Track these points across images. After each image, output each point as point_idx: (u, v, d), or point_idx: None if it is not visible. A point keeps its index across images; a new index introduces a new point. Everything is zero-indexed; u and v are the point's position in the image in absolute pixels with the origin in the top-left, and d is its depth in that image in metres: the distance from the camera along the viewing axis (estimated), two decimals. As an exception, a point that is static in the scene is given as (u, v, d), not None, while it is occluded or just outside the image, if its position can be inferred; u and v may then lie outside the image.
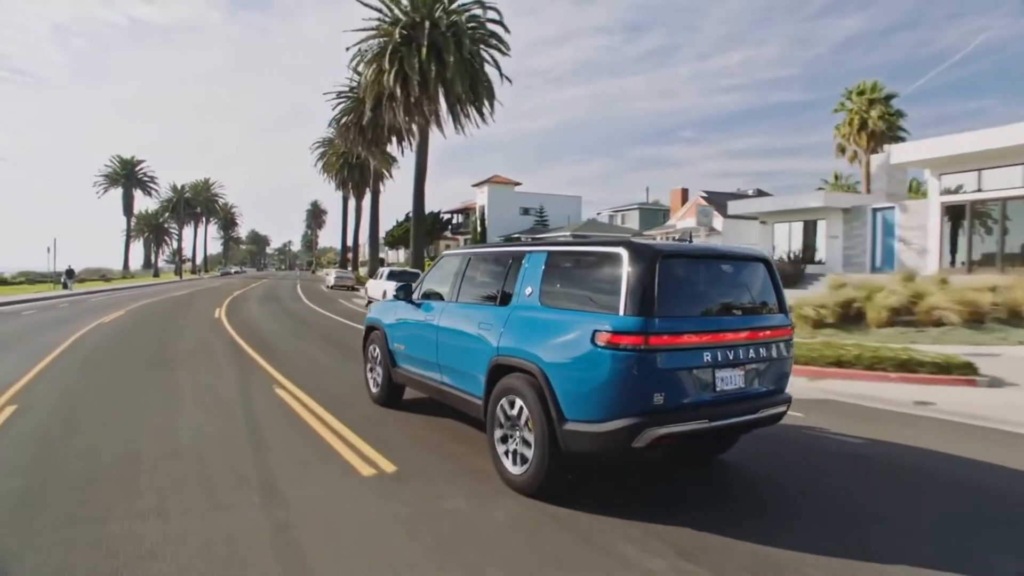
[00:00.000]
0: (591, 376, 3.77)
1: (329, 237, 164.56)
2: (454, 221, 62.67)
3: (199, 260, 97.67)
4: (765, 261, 4.63)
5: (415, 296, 6.22)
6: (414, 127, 28.82)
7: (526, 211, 55.34)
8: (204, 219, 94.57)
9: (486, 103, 28.35)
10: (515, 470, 4.28)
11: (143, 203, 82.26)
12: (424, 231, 64.62)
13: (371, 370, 7.09)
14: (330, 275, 43.08)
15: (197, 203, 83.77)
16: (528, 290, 4.55)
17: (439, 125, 28.77)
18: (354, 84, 40.19)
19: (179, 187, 74.83)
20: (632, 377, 3.64)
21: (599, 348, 3.72)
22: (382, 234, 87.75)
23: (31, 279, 51.60)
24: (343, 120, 39.27)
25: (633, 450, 3.72)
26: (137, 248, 78.46)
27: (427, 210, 64.72)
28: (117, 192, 69.03)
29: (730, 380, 4.04)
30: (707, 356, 3.89)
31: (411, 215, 29.24)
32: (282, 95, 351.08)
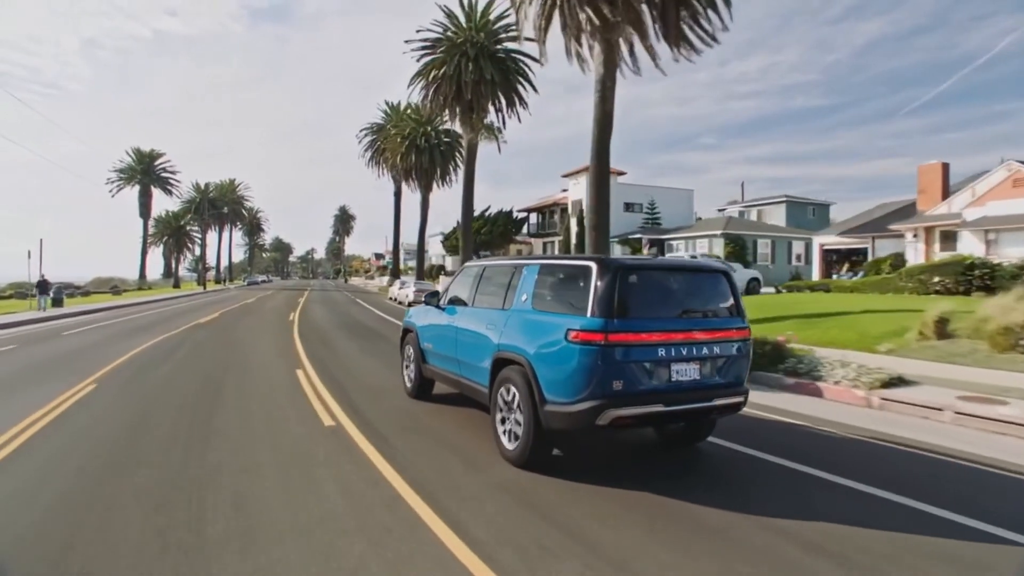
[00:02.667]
0: (564, 366, 4.44)
1: (356, 244, 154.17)
2: (531, 220, 51.05)
3: (223, 268, 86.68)
4: (724, 273, 5.12)
5: (441, 302, 6.85)
6: (591, 50, 17.14)
7: (630, 207, 43.59)
8: (230, 223, 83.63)
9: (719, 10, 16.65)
10: (509, 446, 4.94)
11: (163, 204, 71.43)
12: (498, 231, 53.03)
13: (407, 367, 7.68)
14: (405, 286, 31.53)
15: (224, 203, 72.72)
16: (523, 296, 5.22)
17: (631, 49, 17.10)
18: (448, 28, 28.80)
19: (203, 186, 63.92)
20: (595, 367, 4.28)
21: (570, 343, 4.40)
22: (434, 236, 76.23)
23: (22, 292, 40.54)
24: (433, 74, 27.78)
25: (599, 428, 4.34)
26: (156, 255, 67.45)
27: (495, 207, 53.48)
28: (133, 193, 58.11)
29: (685, 372, 4.57)
30: (662, 352, 4.47)
31: (590, 198, 17.38)
32: (302, 104, 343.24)
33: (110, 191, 57.00)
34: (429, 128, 40.39)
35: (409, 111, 44.39)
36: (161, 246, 64.55)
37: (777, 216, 38.77)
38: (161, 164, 59.81)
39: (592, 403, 4.28)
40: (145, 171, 57.97)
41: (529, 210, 50.65)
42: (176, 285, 59.79)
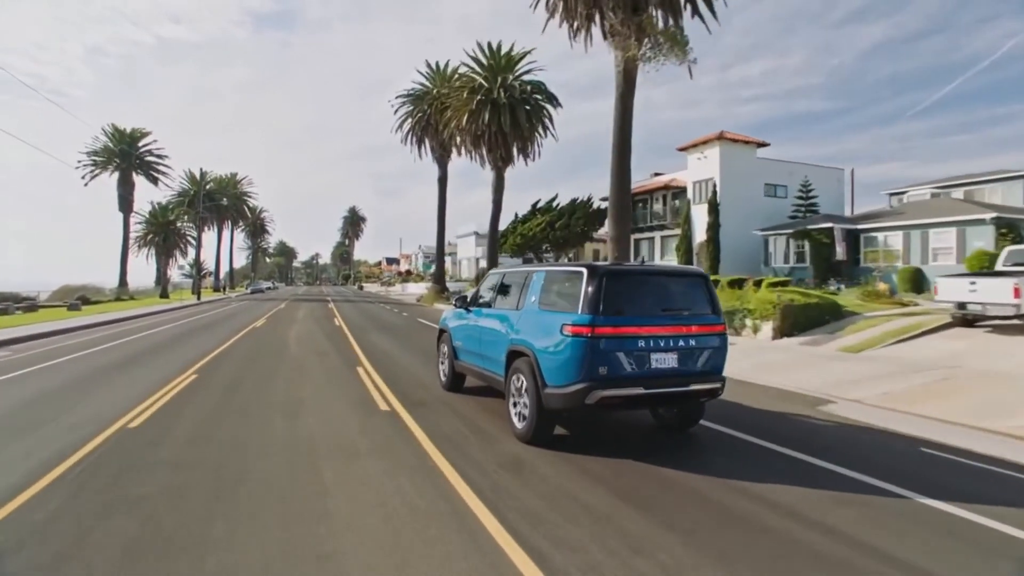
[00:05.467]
0: (560, 355, 5.10)
1: (361, 249, 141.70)
2: (618, 212, 38.91)
3: (224, 273, 74.06)
4: (702, 276, 5.73)
5: (469, 305, 7.42)
6: None
7: (772, 190, 31.59)
8: (231, 222, 71.09)
9: None
10: (519, 425, 5.63)
11: (152, 195, 58.49)
12: (577, 226, 40.55)
13: (442, 363, 8.28)
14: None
15: (223, 195, 60.09)
16: (532, 298, 5.90)
17: None
18: None
19: (198, 174, 51.42)
20: (583, 355, 4.92)
21: (564, 336, 5.06)
22: (466, 236, 63.52)
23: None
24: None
25: (589, 407, 4.99)
26: (147, 259, 54.55)
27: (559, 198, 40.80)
28: (112, 181, 45.58)
29: (663, 361, 5.16)
30: (642, 343, 5.08)
31: None
32: (306, 109, 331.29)
33: (82, 177, 44.55)
34: (511, 77, 28.29)
35: (457, 76, 32.17)
36: (152, 248, 51.89)
37: (1009, 196, 26.72)
38: (145, 146, 47.37)
39: (582, 385, 4.93)
40: (125, 154, 45.48)
41: (616, 198, 38.46)
42: (164, 295, 47.32)
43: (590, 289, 5.07)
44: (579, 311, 5.03)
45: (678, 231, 33.38)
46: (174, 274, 61.04)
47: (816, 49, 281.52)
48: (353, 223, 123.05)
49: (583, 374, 4.90)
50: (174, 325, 20.11)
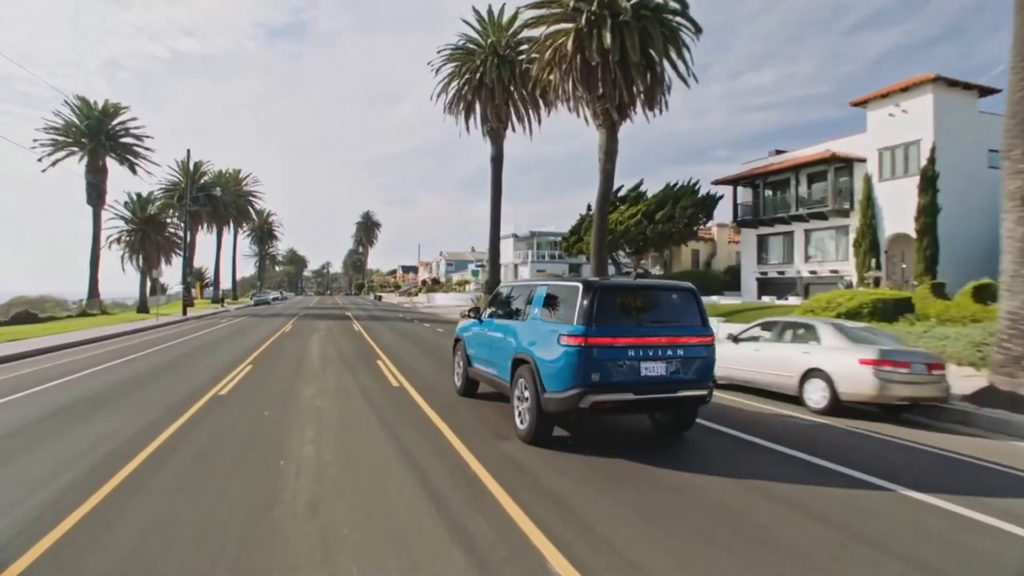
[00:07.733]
0: (557, 362, 5.36)
1: (376, 258, 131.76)
2: (737, 199, 28.67)
3: (225, 282, 63.97)
4: (691, 290, 5.94)
5: (482, 317, 7.74)
6: None
7: (996, 159, 21.42)
8: (233, 223, 60.98)
9: None
10: (521, 427, 5.88)
11: (138, 189, 47.72)
12: (683, 218, 29.41)
13: (457, 370, 8.58)
14: (812, 343, 8.92)
15: (218, 185, 49.78)
16: (536, 311, 6.20)
17: None
18: None
19: (188, 159, 41.23)
20: (578, 362, 5.17)
21: (561, 345, 5.32)
22: (508, 232, 52.68)
23: None
24: None
25: (583, 411, 5.24)
26: (127, 264, 44.15)
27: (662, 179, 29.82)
28: (81, 168, 35.55)
29: (653, 369, 5.37)
30: (631, 352, 5.32)
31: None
32: (315, 119, 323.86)
33: (38, 160, 34.51)
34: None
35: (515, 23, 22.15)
36: (128, 250, 41.60)
37: None
38: (121, 124, 37.40)
39: (576, 391, 5.18)
40: (94, 131, 35.51)
41: (736, 180, 28.18)
42: (143, 308, 37.18)
43: (585, 302, 5.35)
44: (575, 322, 5.32)
45: (840, 221, 23.21)
46: (170, 282, 51.07)
47: (826, 57, 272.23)
48: (367, 229, 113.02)
49: (577, 380, 5.18)
50: (74, 379, 9.93)
